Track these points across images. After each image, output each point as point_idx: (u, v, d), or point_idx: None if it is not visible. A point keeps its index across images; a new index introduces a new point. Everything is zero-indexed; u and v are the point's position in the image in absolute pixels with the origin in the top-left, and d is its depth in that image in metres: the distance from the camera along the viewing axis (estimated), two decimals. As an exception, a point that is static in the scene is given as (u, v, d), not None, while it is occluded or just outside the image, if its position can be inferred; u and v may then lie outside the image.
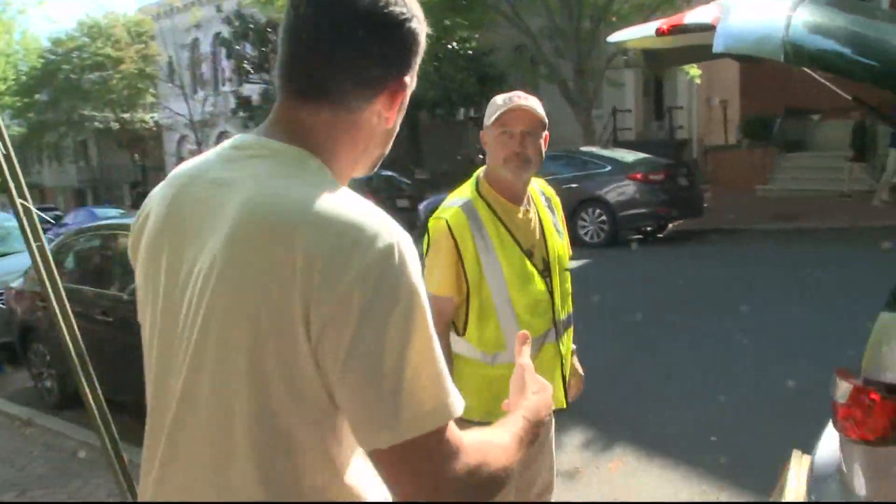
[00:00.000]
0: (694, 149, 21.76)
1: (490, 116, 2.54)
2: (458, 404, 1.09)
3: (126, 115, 36.39)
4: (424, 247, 2.60)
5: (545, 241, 2.63)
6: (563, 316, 2.66)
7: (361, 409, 1.05)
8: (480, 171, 2.66)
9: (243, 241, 1.08)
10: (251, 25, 26.19)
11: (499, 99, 2.56)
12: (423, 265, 2.51)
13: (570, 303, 2.74)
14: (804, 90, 16.92)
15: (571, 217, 13.40)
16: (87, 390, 3.29)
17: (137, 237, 1.29)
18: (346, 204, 1.08)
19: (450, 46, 22.45)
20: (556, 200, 2.80)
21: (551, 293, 2.60)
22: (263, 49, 26.41)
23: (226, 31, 27.45)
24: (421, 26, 1.21)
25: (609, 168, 13.52)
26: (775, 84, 16.68)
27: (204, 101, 34.42)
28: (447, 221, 2.52)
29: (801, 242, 11.86)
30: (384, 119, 1.22)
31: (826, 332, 6.16)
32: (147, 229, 1.26)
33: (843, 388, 2.35)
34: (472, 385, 2.40)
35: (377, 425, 1.04)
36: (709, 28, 2.42)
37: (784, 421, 4.04)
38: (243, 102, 27.52)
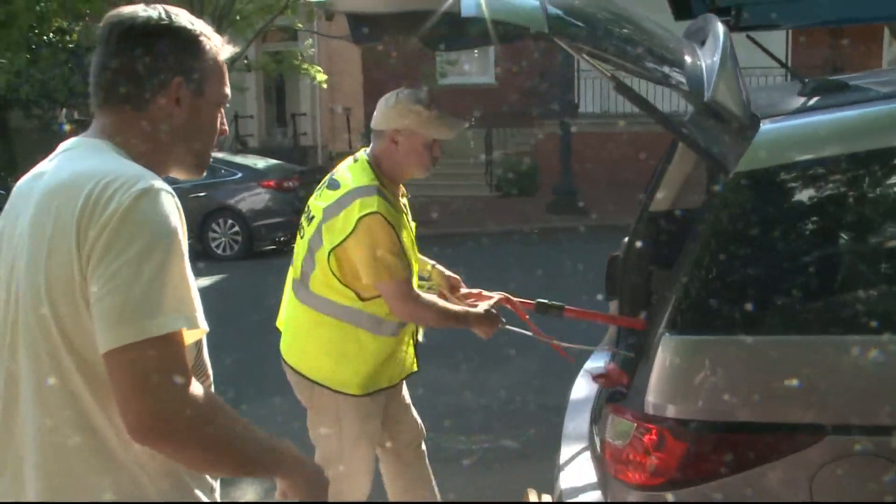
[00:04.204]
0: (319, 155, 21.72)
1: (421, 124, 2.62)
2: (172, 323, 1.29)
3: None
4: (357, 240, 2.59)
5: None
6: None
7: (100, 317, 1.28)
8: (366, 157, 2.74)
9: (40, 208, 1.39)
10: None
11: (423, 109, 2.62)
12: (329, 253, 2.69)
13: None
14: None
15: (200, 229, 12.31)
16: None
17: None
18: (113, 164, 1.40)
19: (46, 38, 19.89)
20: None
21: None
22: None
23: None
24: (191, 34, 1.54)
25: (240, 175, 12.62)
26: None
27: None
28: (381, 214, 2.58)
29: (442, 245, 12.16)
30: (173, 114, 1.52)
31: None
32: None
33: (623, 426, 1.96)
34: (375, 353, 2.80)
35: (109, 328, 1.27)
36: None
37: (499, 421, 3.76)
38: None
